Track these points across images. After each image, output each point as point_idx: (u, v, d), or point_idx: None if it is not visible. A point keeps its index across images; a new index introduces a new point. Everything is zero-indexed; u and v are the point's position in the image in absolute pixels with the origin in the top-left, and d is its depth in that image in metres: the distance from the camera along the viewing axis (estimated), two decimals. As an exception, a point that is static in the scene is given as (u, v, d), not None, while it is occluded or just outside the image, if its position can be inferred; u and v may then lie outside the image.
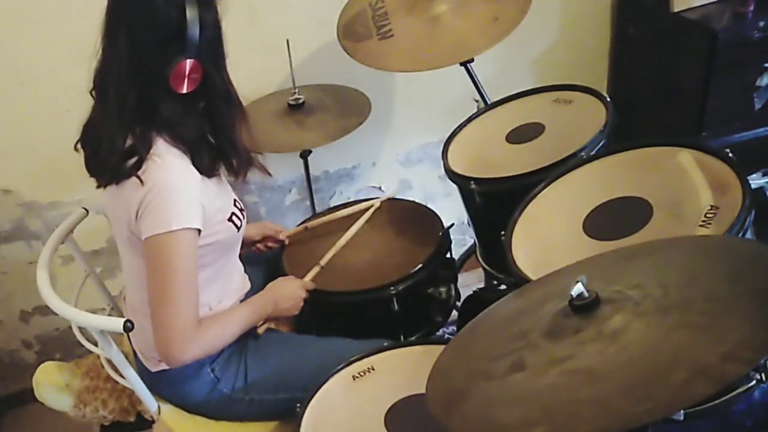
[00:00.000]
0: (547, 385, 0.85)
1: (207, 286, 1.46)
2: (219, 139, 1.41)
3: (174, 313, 1.30)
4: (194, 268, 1.32)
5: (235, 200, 1.50)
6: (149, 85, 1.27)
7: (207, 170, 1.38)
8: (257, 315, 1.53)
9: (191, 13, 1.23)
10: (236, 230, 1.47)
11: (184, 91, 1.28)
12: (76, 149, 1.40)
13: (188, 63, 1.26)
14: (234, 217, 1.46)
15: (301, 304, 1.61)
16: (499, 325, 1.11)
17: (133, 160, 1.29)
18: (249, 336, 1.59)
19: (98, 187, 1.40)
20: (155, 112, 1.30)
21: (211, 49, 1.32)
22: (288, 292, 1.60)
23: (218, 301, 1.53)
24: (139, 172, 1.28)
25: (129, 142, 1.30)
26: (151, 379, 1.53)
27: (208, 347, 1.40)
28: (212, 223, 1.39)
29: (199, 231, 1.32)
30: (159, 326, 1.31)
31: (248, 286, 1.68)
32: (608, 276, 1.02)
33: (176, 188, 1.29)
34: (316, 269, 1.70)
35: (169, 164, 1.30)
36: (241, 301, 1.61)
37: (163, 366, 1.51)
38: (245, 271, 1.70)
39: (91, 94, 1.36)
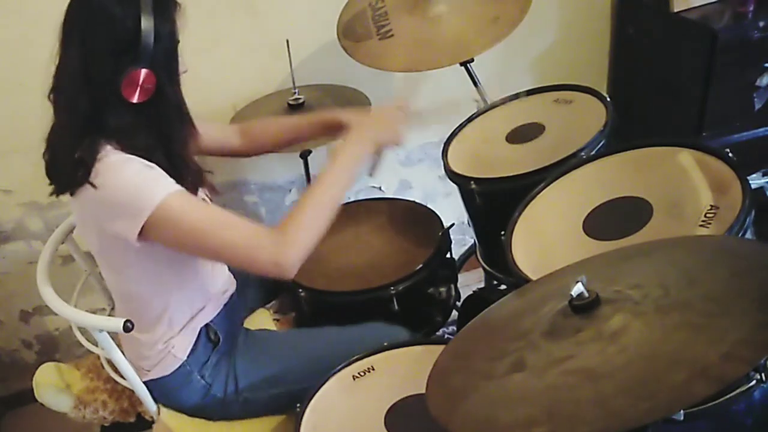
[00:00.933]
0: (547, 385, 0.85)
1: (184, 289, 1.45)
2: (169, 154, 1.36)
3: (236, 241, 1.25)
4: (211, 210, 1.28)
5: (203, 200, 1.46)
6: (101, 93, 1.25)
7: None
8: (354, 164, 1.41)
9: (146, 23, 1.21)
10: None
11: (136, 100, 1.25)
12: (44, 157, 1.36)
13: (142, 72, 1.23)
14: None
15: (399, 126, 1.47)
16: (499, 325, 1.11)
17: (82, 171, 1.25)
18: (237, 338, 1.59)
19: (51, 194, 1.36)
20: (105, 122, 1.26)
21: (166, 62, 1.28)
22: (381, 116, 1.49)
23: (199, 308, 1.50)
24: (91, 178, 1.24)
25: (78, 153, 1.26)
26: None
27: (309, 224, 1.30)
28: None
29: (186, 191, 1.28)
30: (242, 263, 1.27)
31: (233, 287, 1.64)
32: (608, 276, 1.02)
33: (136, 172, 1.25)
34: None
35: (119, 159, 1.25)
36: (225, 305, 1.58)
37: (151, 376, 1.51)
38: (234, 271, 1.69)
39: (49, 99, 1.32)
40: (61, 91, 1.29)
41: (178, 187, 1.26)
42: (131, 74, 1.22)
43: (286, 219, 1.29)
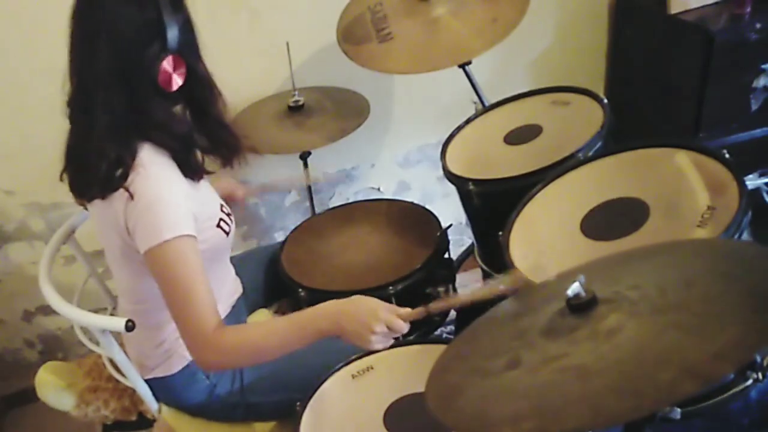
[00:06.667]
0: (539, 381, 0.86)
1: None
2: (211, 126, 1.41)
3: (185, 321, 1.28)
4: (197, 274, 1.28)
5: (222, 205, 1.50)
6: (137, 89, 1.27)
7: (195, 171, 1.38)
8: (308, 329, 1.27)
9: (167, 13, 1.24)
10: (225, 235, 1.47)
11: (176, 87, 1.28)
12: (61, 179, 1.38)
13: (173, 59, 1.26)
14: (222, 223, 1.46)
15: (374, 336, 1.22)
16: (499, 324, 1.11)
17: (120, 171, 1.27)
18: None
19: (85, 203, 1.39)
20: (146, 117, 1.29)
21: (189, 43, 1.32)
22: (360, 313, 1.25)
23: None
24: (126, 184, 1.27)
25: (114, 153, 1.28)
26: (148, 386, 1.54)
27: (231, 356, 1.29)
28: (202, 229, 1.38)
29: (196, 238, 1.30)
30: (181, 334, 1.30)
31: (239, 290, 1.68)
32: (609, 277, 1.02)
33: (164, 199, 1.27)
34: (420, 310, 1.28)
35: (153, 175, 1.28)
36: (233, 306, 1.61)
37: (155, 374, 1.52)
38: (237, 273, 1.71)
39: (71, 118, 1.33)
40: (91, 99, 1.28)
41: (190, 231, 1.28)
42: (164, 64, 1.25)
43: (232, 338, 1.27)
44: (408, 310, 1.26)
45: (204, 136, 1.41)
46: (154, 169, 1.29)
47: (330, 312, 1.28)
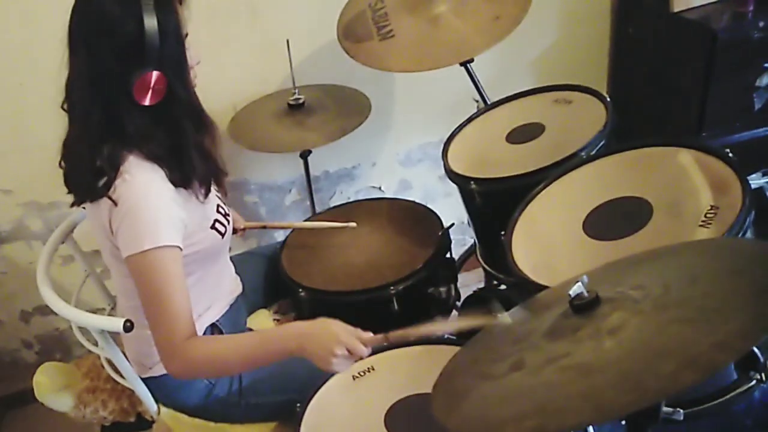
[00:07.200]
0: (542, 382, 0.86)
1: (193, 288, 1.44)
2: (183, 156, 1.35)
3: (157, 328, 1.28)
4: (176, 284, 1.28)
5: (218, 206, 1.48)
6: (113, 99, 1.25)
7: (182, 182, 1.35)
8: (274, 347, 1.30)
9: (149, 24, 1.20)
10: (220, 237, 1.45)
11: (148, 103, 1.25)
12: (60, 167, 1.37)
13: (152, 75, 1.23)
14: (217, 224, 1.45)
15: (335, 359, 1.22)
16: (504, 329, 1.11)
17: (103, 180, 1.26)
18: None
19: (72, 205, 1.38)
20: (122, 128, 1.27)
21: (175, 60, 1.27)
22: (322, 336, 1.25)
23: (206, 307, 1.52)
24: (110, 192, 1.26)
25: (98, 161, 1.26)
26: (146, 385, 1.53)
27: (197, 367, 1.32)
28: (194, 232, 1.37)
29: (179, 247, 1.29)
30: (153, 340, 1.31)
31: (239, 289, 1.67)
32: (614, 279, 1.02)
33: (147, 207, 1.26)
34: (380, 337, 1.28)
35: (139, 182, 1.27)
36: (231, 305, 1.60)
37: (153, 373, 1.51)
38: (237, 272, 1.70)
39: (63, 108, 1.32)
40: (73, 101, 1.29)
41: (173, 242, 1.28)
42: (141, 77, 1.22)
43: (200, 350, 1.29)
44: (370, 334, 1.27)
45: (180, 162, 1.35)
46: (138, 175, 1.27)
47: (295, 333, 1.30)
